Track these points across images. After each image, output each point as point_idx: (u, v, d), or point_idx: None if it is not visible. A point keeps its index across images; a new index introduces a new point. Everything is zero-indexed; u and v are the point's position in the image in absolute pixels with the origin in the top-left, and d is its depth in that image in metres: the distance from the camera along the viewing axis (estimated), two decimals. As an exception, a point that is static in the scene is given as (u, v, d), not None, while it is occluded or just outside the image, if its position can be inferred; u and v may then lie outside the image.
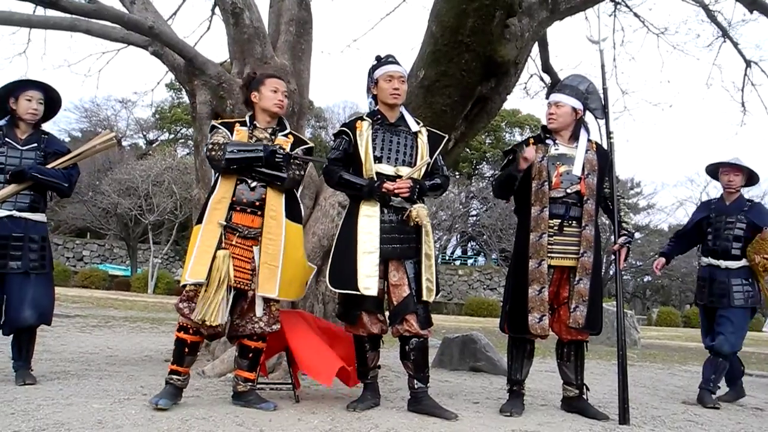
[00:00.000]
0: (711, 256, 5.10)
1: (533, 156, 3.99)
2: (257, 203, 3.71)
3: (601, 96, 4.27)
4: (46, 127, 4.49)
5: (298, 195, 3.96)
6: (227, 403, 3.76)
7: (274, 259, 3.67)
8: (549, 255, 3.97)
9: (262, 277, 3.64)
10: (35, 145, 4.26)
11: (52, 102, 4.43)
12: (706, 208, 5.34)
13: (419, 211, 3.76)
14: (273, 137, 3.88)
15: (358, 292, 3.70)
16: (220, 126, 3.86)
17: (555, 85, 4.51)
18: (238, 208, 3.68)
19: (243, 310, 3.72)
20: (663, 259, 5.48)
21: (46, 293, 4.23)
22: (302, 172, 3.90)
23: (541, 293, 3.93)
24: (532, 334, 3.94)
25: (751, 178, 5.18)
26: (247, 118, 3.92)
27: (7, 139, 4.20)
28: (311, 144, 4.09)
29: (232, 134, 3.79)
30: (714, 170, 5.32)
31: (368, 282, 3.70)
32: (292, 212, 3.83)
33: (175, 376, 3.61)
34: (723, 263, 5.01)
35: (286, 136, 3.93)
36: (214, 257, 3.55)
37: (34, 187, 4.19)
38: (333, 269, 3.85)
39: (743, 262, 4.97)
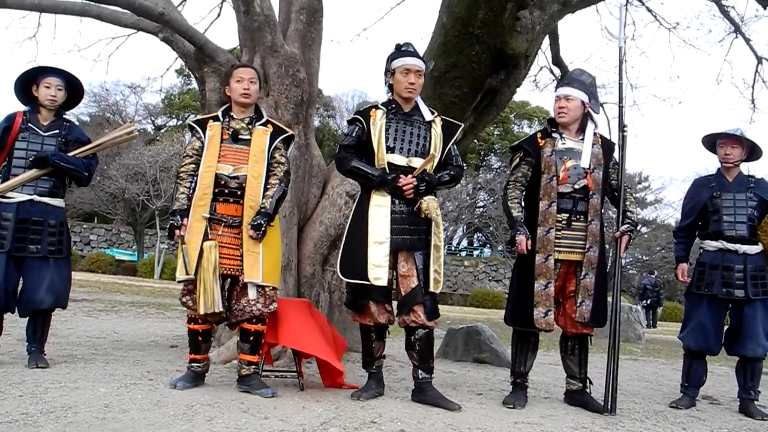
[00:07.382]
0: (724, 240, 4.49)
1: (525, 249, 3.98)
2: (239, 192, 3.82)
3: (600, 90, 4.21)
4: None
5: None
6: (232, 390, 3.80)
7: (255, 246, 3.79)
8: (557, 249, 3.98)
9: (246, 264, 3.77)
10: (57, 131, 4.30)
11: (75, 89, 4.47)
12: (705, 185, 4.71)
13: (429, 204, 3.77)
14: (251, 127, 3.96)
15: (368, 282, 3.72)
16: (195, 126, 3.97)
17: (563, 78, 4.48)
18: (221, 199, 3.82)
19: (238, 295, 3.84)
20: (686, 264, 4.76)
21: (63, 277, 4.28)
22: (288, 167, 4.04)
23: (547, 288, 3.94)
24: (536, 328, 3.96)
25: (753, 153, 4.64)
26: (219, 113, 4.01)
27: (29, 124, 4.24)
28: (292, 132, 4.17)
29: (205, 132, 3.90)
30: (711, 142, 4.75)
31: (378, 272, 3.72)
32: None
33: (195, 364, 3.90)
34: (740, 248, 4.45)
35: (264, 125, 4.01)
36: (201, 250, 3.70)
37: (54, 173, 4.23)
38: (343, 259, 3.86)
39: (760, 247, 4.47)
